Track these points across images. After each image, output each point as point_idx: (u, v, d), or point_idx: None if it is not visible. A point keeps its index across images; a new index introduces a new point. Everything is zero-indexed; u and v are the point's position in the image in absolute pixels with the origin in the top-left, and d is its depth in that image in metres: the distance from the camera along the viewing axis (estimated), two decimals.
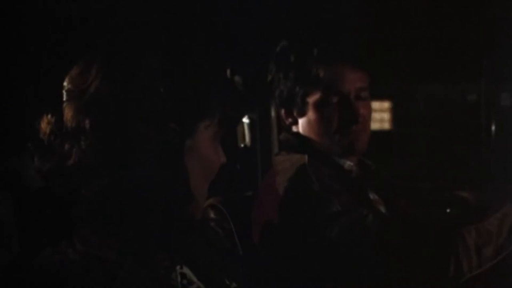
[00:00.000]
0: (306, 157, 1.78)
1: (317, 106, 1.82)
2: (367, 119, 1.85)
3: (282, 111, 1.90)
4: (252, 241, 1.72)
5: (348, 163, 1.86)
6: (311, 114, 1.83)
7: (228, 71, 2.53)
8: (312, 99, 1.82)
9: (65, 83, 1.16)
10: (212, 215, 1.81)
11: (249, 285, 1.33)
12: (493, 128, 3.12)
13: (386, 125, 4.15)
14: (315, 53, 1.82)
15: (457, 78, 3.56)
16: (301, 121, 1.87)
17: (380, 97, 4.10)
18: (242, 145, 2.37)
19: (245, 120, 2.50)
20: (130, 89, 1.11)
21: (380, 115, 4.16)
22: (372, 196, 1.87)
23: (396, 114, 4.09)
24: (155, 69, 1.13)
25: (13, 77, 1.98)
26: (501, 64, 3.10)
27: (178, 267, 1.19)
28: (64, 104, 1.14)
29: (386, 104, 4.12)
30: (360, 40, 1.91)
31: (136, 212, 1.13)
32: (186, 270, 1.21)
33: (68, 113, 1.14)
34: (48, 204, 1.17)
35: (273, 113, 1.93)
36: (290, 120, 1.89)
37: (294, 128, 1.89)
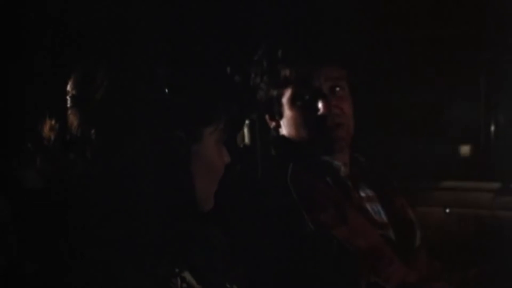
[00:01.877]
0: (290, 166, 1.78)
1: (292, 105, 1.83)
2: (346, 113, 1.84)
3: (267, 116, 1.92)
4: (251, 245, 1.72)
5: (336, 163, 1.85)
6: (288, 114, 1.85)
7: (228, 71, 2.52)
8: (286, 99, 1.84)
9: (69, 88, 1.15)
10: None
11: None
12: (492, 128, 3.13)
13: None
14: (280, 54, 1.83)
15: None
16: (282, 123, 1.88)
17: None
18: (242, 145, 2.37)
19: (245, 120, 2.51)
20: (136, 98, 1.11)
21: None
22: (364, 193, 1.88)
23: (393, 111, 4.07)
24: (162, 77, 1.13)
25: (15, 77, 1.98)
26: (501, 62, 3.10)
27: (178, 271, 1.19)
28: (69, 111, 1.14)
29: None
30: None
31: (138, 218, 1.13)
32: (186, 274, 1.21)
33: (73, 120, 1.14)
34: (47, 206, 1.17)
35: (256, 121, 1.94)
36: (273, 123, 1.91)
37: (280, 131, 1.90)
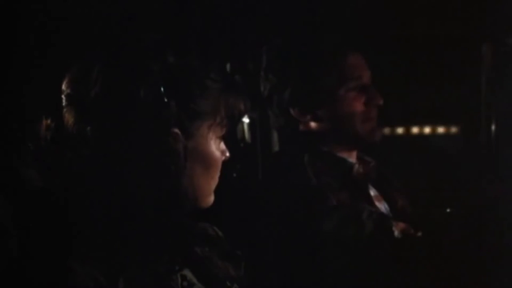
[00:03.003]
0: (306, 155, 1.79)
1: (340, 94, 1.83)
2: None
3: (294, 111, 1.87)
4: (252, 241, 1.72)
5: (350, 160, 1.87)
6: (332, 104, 1.84)
7: (228, 69, 2.53)
8: (334, 88, 1.83)
9: (64, 87, 1.15)
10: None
11: (250, 287, 1.33)
12: (493, 127, 3.12)
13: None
14: (332, 45, 1.85)
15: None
16: (321, 114, 1.85)
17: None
18: (242, 144, 2.37)
19: (245, 119, 2.50)
20: (132, 96, 1.10)
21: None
22: (372, 192, 1.89)
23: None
24: (157, 73, 1.12)
25: (13, 76, 1.97)
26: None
27: (177, 268, 1.19)
28: (64, 109, 1.14)
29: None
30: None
31: (138, 216, 1.13)
32: (186, 271, 1.20)
33: (68, 119, 1.13)
34: (47, 205, 1.16)
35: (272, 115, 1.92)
36: (308, 117, 1.86)
37: (301, 126, 1.88)
